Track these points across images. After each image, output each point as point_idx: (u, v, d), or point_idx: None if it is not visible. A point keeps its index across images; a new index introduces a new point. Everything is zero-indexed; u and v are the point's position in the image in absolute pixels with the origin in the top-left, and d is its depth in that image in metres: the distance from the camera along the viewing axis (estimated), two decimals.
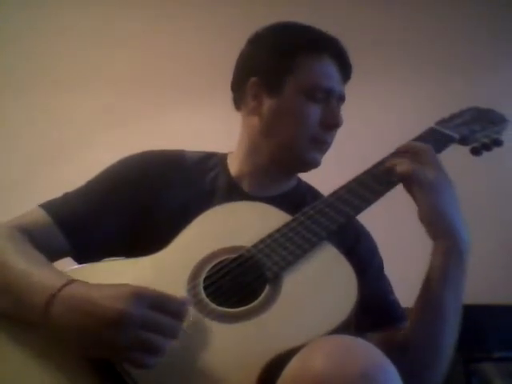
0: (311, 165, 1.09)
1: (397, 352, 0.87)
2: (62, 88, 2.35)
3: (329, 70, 1.07)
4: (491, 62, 2.52)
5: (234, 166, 1.13)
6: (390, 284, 1.10)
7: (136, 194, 1.03)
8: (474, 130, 1.07)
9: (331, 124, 1.06)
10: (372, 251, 1.13)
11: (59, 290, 0.77)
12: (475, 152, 1.05)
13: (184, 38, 2.46)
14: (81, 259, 0.98)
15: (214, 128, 2.19)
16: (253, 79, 1.08)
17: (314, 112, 1.05)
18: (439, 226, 0.90)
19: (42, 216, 0.98)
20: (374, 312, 0.98)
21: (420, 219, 0.92)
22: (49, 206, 1.00)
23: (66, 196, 1.04)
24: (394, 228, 2.16)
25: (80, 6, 2.44)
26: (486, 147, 1.05)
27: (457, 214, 0.91)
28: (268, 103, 1.07)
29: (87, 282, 0.80)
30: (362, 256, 1.06)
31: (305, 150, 1.07)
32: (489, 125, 1.09)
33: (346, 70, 1.10)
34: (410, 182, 0.93)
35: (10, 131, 2.33)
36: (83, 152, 2.30)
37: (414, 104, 2.44)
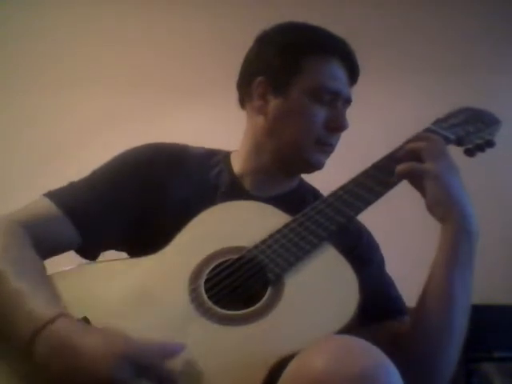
0: (315, 167, 1.09)
1: (403, 342, 0.91)
2: (61, 88, 2.35)
3: (336, 72, 1.06)
4: (491, 62, 2.52)
5: (237, 165, 1.12)
6: (392, 281, 1.10)
7: (143, 185, 1.02)
8: (469, 131, 1.07)
9: (337, 127, 1.06)
10: (373, 248, 1.13)
11: (43, 327, 0.74)
12: (469, 153, 1.05)
13: (184, 39, 2.46)
14: (88, 251, 0.97)
15: (214, 128, 2.19)
16: (259, 78, 1.07)
17: (320, 113, 1.05)
18: (447, 208, 0.90)
19: (49, 207, 0.95)
20: (374, 306, 0.96)
21: (428, 208, 0.92)
22: (56, 197, 0.97)
23: (73, 186, 1.01)
24: (396, 228, 2.16)
25: (80, 6, 2.43)
26: (480, 148, 1.05)
27: (464, 198, 0.91)
28: (274, 103, 1.06)
29: (74, 320, 0.76)
30: (364, 252, 1.07)
31: (309, 152, 1.06)
32: (482, 126, 1.09)
33: (353, 73, 1.10)
34: (413, 179, 0.94)
35: (10, 131, 2.33)
36: (83, 152, 2.29)
37: (414, 104, 2.44)
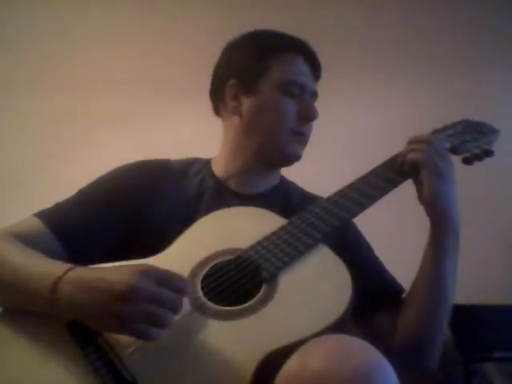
0: (293, 158, 1.14)
1: (401, 323, 1.02)
2: (61, 89, 2.35)
3: (301, 67, 1.14)
4: (491, 61, 2.52)
5: (218, 169, 1.17)
6: (382, 263, 1.15)
7: (128, 202, 1.05)
8: (465, 140, 1.11)
9: (308, 116, 1.13)
10: (358, 238, 1.17)
11: (64, 273, 0.81)
12: (466, 161, 1.10)
13: (184, 40, 2.46)
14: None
15: (213, 129, 2.18)
16: (231, 81, 1.14)
17: (291, 106, 1.11)
18: (438, 208, 0.99)
19: (37, 224, 0.99)
20: (377, 294, 1.06)
21: (420, 200, 1.01)
22: (43, 215, 1.01)
23: (59, 205, 1.05)
24: (394, 228, 2.17)
25: (80, 7, 2.43)
26: (478, 157, 1.10)
27: (454, 202, 1.00)
28: (246, 102, 1.13)
29: (89, 267, 0.84)
30: (351, 244, 1.11)
31: (285, 144, 1.12)
32: (479, 135, 1.13)
33: (316, 70, 1.18)
34: (420, 167, 1.00)
35: (10, 132, 2.33)
36: (83, 152, 2.30)
37: (415, 104, 2.44)
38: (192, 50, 2.43)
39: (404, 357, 1.02)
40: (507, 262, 2.32)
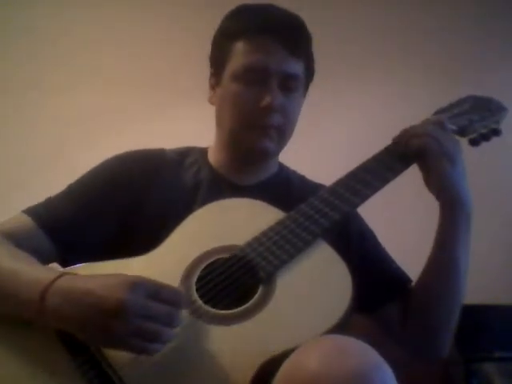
0: (258, 152, 1.04)
1: (413, 309, 1.02)
2: (61, 89, 2.35)
3: (265, 49, 1.00)
4: (491, 62, 2.51)
5: (214, 158, 1.12)
6: (388, 253, 1.12)
7: (120, 195, 1.02)
8: (472, 119, 1.04)
9: (262, 106, 0.99)
10: (361, 229, 1.13)
11: (53, 281, 0.77)
12: (473, 143, 1.04)
13: (184, 40, 2.46)
14: (67, 263, 0.96)
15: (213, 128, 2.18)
16: (211, 70, 1.10)
17: (247, 95, 1.00)
18: (451, 192, 0.95)
19: (26, 221, 0.96)
20: (384, 286, 1.04)
21: (428, 185, 0.97)
22: (32, 211, 0.98)
23: (49, 200, 1.02)
24: (394, 221, 2.17)
25: (80, 7, 2.43)
26: (485, 137, 1.03)
27: (465, 183, 0.96)
28: (217, 93, 1.07)
29: (80, 274, 0.80)
30: (354, 237, 1.08)
31: (247, 138, 1.03)
32: (488, 114, 1.06)
33: (291, 45, 1.01)
34: (426, 152, 0.95)
35: (10, 132, 2.33)
36: (84, 152, 2.29)
37: (415, 104, 2.43)
38: (194, 49, 2.42)
39: (417, 346, 1.03)
40: (507, 261, 2.32)
